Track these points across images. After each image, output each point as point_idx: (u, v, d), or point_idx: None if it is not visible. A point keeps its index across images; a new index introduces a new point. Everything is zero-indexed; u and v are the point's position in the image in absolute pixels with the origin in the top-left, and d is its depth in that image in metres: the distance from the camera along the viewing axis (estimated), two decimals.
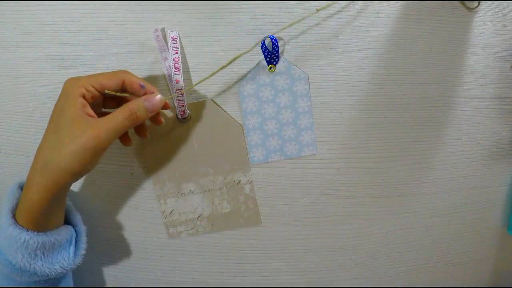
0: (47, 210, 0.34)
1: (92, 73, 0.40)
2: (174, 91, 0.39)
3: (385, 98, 0.43)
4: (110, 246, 0.46)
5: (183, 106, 0.41)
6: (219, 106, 0.42)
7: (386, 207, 0.46)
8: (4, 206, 0.35)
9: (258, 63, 0.41)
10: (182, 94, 0.39)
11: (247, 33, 0.40)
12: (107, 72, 0.36)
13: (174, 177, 0.43)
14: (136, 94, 0.36)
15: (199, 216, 0.44)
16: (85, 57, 0.41)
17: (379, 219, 0.46)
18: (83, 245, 0.40)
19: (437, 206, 0.47)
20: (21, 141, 0.43)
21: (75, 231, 0.40)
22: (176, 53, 0.38)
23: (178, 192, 0.44)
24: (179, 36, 0.39)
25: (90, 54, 0.40)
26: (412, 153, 0.45)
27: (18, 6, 0.40)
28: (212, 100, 0.42)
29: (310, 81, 0.42)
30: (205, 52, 0.41)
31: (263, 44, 0.40)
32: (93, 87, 0.34)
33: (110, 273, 0.47)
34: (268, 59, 0.41)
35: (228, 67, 0.41)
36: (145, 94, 0.36)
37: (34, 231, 0.34)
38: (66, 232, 0.38)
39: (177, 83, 0.39)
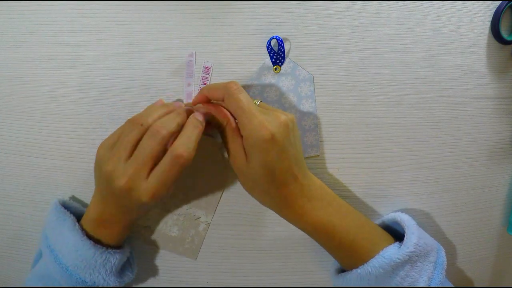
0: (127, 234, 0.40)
1: (90, 73, 0.41)
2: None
3: (385, 98, 0.43)
4: None
5: (189, 84, 0.41)
6: (221, 153, 0.43)
7: (386, 207, 0.46)
8: (67, 230, 0.37)
9: (264, 63, 0.41)
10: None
11: (249, 34, 0.40)
12: (176, 169, 0.34)
13: None
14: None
15: (146, 226, 0.45)
16: (85, 57, 0.41)
17: (378, 219, 0.46)
18: (135, 259, 0.43)
19: (437, 206, 0.47)
20: (21, 141, 0.43)
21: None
22: (205, 83, 0.40)
23: None
24: (212, 67, 0.40)
25: (90, 54, 0.40)
26: (412, 153, 0.45)
27: (18, 6, 0.40)
28: (218, 142, 0.42)
29: None
30: (205, 52, 0.41)
31: (269, 44, 0.40)
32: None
33: None
34: (273, 60, 0.41)
35: (233, 67, 0.41)
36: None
37: (113, 249, 0.38)
38: (128, 246, 0.41)
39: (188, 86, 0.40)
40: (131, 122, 0.36)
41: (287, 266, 0.47)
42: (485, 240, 0.49)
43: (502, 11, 0.41)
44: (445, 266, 0.38)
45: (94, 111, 0.41)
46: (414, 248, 0.36)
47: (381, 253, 0.36)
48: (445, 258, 0.38)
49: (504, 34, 0.43)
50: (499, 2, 0.42)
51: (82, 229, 0.37)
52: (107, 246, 0.37)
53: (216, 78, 0.41)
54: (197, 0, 0.39)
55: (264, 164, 0.34)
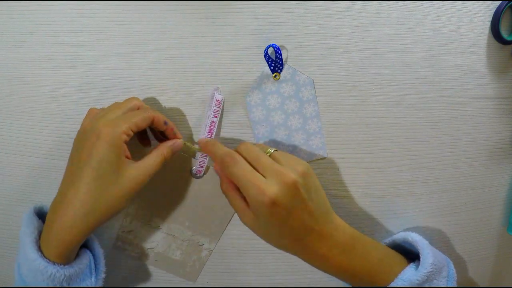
0: (77, 247, 0.36)
1: (90, 73, 0.41)
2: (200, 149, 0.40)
3: (385, 98, 0.43)
4: (109, 245, 0.46)
5: (202, 167, 0.42)
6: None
7: (386, 207, 0.46)
8: (25, 237, 0.35)
9: (263, 72, 0.41)
10: (205, 156, 0.42)
11: (249, 33, 0.40)
12: (138, 113, 0.36)
13: (152, 209, 0.44)
14: (159, 129, 0.38)
15: (150, 248, 0.46)
16: (85, 57, 0.41)
17: (379, 219, 0.46)
18: (102, 268, 0.40)
19: (437, 206, 0.47)
20: (21, 141, 0.43)
21: (93, 255, 0.40)
22: (216, 117, 0.40)
23: (147, 222, 0.45)
24: (223, 100, 0.41)
25: (90, 54, 0.40)
26: (412, 153, 0.45)
27: (18, 6, 0.40)
28: None
29: None
30: (205, 52, 0.41)
31: (266, 53, 0.40)
32: (132, 131, 0.35)
33: (110, 273, 0.47)
34: (272, 68, 0.41)
35: (234, 67, 0.41)
36: (166, 130, 0.38)
37: (60, 264, 0.35)
38: (85, 258, 0.38)
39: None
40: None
41: (287, 266, 0.47)
42: (485, 240, 0.49)
43: (502, 11, 0.41)
44: (456, 278, 0.39)
45: None
46: (431, 268, 0.37)
47: (399, 276, 0.37)
48: (454, 270, 0.39)
49: (504, 34, 0.43)
50: (499, 2, 0.42)
51: (38, 239, 0.36)
52: (52, 259, 0.34)
53: (217, 79, 0.41)
54: (197, 0, 0.39)
55: (272, 224, 0.35)
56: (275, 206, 0.34)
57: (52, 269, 0.34)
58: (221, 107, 0.40)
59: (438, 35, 0.42)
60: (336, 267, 0.37)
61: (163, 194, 0.44)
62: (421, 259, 0.38)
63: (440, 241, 0.48)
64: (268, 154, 0.37)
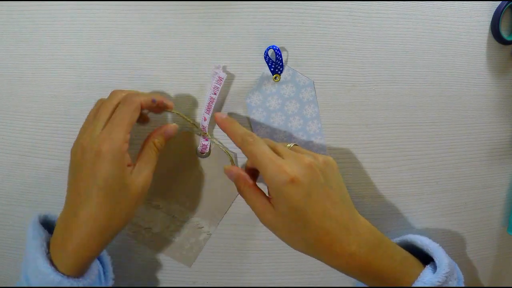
0: (93, 260, 0.36)
1: (90, 73, 0.41)
2: (201, 127, 0.41)
3: (385, 98, 0.43)
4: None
5: (206, 140, 0.42)
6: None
7: (386, 207, 0.46)
8: (35, 251, 0.35)
9: (263, 73, 0.41)
10: (205, 131, 0.41)
11: (249, 33, 0.40)
12: (125, 111, 0.35)
13: (154, 188, 0.43)
14: (149, 109, 0.38)
15: (147, 227, 0.45)
16: (85, 57, 0.41)
17: (379, 219, 0.46)
18: (110, 275, 0.40)
19: (437, 206, 0.47)
20: (21, 141, 0.43)
21: (101, 262, 0.40)
22: (215, 94, 0.40)
23: (147, 200, 0.44)
24: (227, 74, 0.40)
25: (90, 54, 0.40)
26: (412, 153, 0.45)
27: (18, 6, 0.40)
28: (234, 159, 0.43)
29: None
30: (205, 52, 0.41)
31: (266, 55, 0.40)
32: (129, 132, 0.34)
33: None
34: (272, 69, 0.41)
35: (234, 67, 0.41)
36: (157, 106, 0.38)
37: (74, 278, 0.34)
38: (95, 267, 0.38)
39: (204, 120, 0.40)
40: (100, 101, 0.37)
41: (287, 266, 0.47)
42: (485, 240, 0.49)
43: (502, 11, 0.41)
44: (463, 279, 0.39)
45: None
46: (448, 268, 0.36)
47: (419, 278, 0.36)
48: (460, 272, 0.40)
49: (504, 34, 0.43)
50: (499, 2, 0.42)
51: (48, 251, 0.35)
52: (67, 273, 0.34)
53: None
54: (197, 0, 0.39)
55: (291, 209, 0.33)
56: (295, 184, 0.33)
57: (66, 283, 0.33)
58: (221, 85, 0.39)
59: (438, 35, 0.42)
60: (362, 266, 0.35)
61: (166, 171, 0.43)
62: (436, 261, 0.37)
63: (440, 241, 0.48)
64: (289, 147, 0.38)
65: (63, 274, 0.34)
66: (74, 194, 0.34)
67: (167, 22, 0.40)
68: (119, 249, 0.46)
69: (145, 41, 0.40)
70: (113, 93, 0.37)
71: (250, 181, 0.37)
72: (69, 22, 0.40)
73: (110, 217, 0.34)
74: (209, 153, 0.43)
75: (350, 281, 0.48)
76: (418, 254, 0.40)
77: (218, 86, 0.39)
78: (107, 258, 0.41)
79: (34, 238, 0.35)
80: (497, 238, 0.50)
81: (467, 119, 0.45)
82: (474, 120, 0.45)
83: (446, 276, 0.36)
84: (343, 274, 0.36)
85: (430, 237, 0.43)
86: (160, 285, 0.47)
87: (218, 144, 0.42)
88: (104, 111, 0.35)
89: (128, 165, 0.34)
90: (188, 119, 0.41)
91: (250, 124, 0.42)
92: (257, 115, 0.42)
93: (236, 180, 0.38)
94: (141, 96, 0.36)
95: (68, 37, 0.40)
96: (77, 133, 0.36)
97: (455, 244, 0.49)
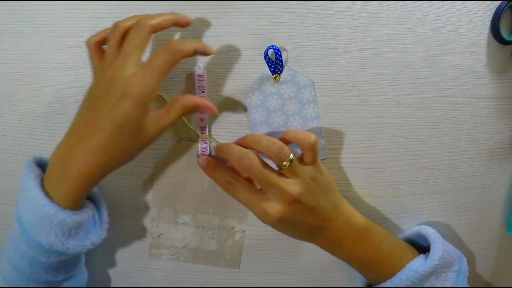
0: (88, 193, 0.35)
1: (90, 73, 0.40)
2: (198, 129, 0.41)
3: (385, 98, 0.43)
4: (109, 244, 0.46)
5: (205, 143, 0.42)
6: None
7: (386, 207, 0.46)
8: (30, 182, 0.33)
9: (263, 73, 0.41)
10: (205, 132, 0.41)
11: (249, 33, 0.40)
12: (165, 58, 0.33)
13: (174, 206, 0.44)
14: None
15: (184, 246, 0.45)
16: (85, 57, 0.41)
17: (379, 219, 0.46)
18: (105, 218, 0.39)
19: (437, 206, 0.47)
20: (21, 141, 0.43)
21: (95, 205, 0.39)
22: (203, 92, 0.40)
23: (173, 220, 0.45)
24: (206, 73, 0.40)
25: None
26: (412, 153, 0.45)
27: (18, 5, 0.40)
28: None
29: None
30: None
31: (266, 55, 0.40)
32: (161, 82, 0.33)
33: (109, 272, 0.47)
34: (272, 69, 0.41)
35: (234, 67, 0.41)
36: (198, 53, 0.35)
37: (71, 210, 0.33)
38: (90, 206, 0.37)
39: (201, 121, 0.41)
40: (113, 27, 0.35)
41: (287, 266, 0.47)
42: (485, 240, 0.49)
43: (502, 11, 0.41)
44: (467, 274, 0.40)
45: None
46: (439, 261, 0.38)
47: (407, 266, 0.38)
48: (466, 267, 0.40)
49: (504, 34, 0.43)
50: (499, 2, 0.42)
51: (43, 184, 0.34)
52: (63, 205, 0.33)
53: (218, 79, 0.41)
54: (197, 0, 0.39)
55: (285, 227, 0.38)
56: (282, 222, 0.37)
57: (62, 214, 0.32)
58: (205, 81, 0.40)
59: (438, 35, 0.42)
60: (347, 254, 0.40)
61: (178, 188, 0.44)
62: (430, 251, 0.39)
63: None
64: (286, 163, 0.36)
65: (59, 205, 0.33)
66: (84, 124, 0.34)
67: None
68: (151, 255, 0.46)
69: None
70: (141, 22, 0.34)
71: (250, 185, 0.39)
72: (69, 22, 0.40)
73: (117, 152, 0.33)
74: (210, 155, 0.43)
75: (350, 281, 0.48)
76: (426, 246, 0.41)
77: (202, 83, 0.40)
78: (102, 200, 0.40)
79: (29, 172, 0.34)
80: (497, 238, 0.50)
81: (467, 119, 0.45)
82: (474, 120, 0.45)
83: (434, 267, 0.37)
84: (343, 274, 0.37)
85: (453, 247, 0.43)
86: (160, 285, 0.47)
87: (217, 143, 0.42)
88: (133, 43, 0.33)
89: (150, 109, 0.34)
90: (188, 125, 0.41)
91: (250, 124, 0.42)
92: (257, 115, 0.42)
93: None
94: (185, 46, 0.34)
95: (68, 37, 0.40)
96: None
97: (455, 244, 0.48)
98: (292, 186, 0.36)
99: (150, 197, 0.44)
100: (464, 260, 0.41)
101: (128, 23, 0.35)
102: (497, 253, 0.50)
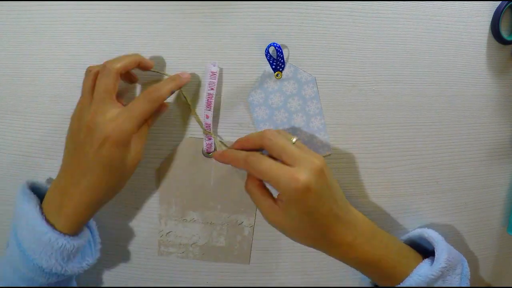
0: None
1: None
2: (204, 125, 0.41)
3: (384, 98, 0.43)
4: (110, 244, 0.46)
5: (210, 139, 0.42)
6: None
7: (386, 207, 0.46)
8: (30, 211, 0.36)
9: (264, 71, 0.41)
10: (210, 129, 0.41)
11: (249, 33, 0.40)
12: (141, 102, 0.36)
13: (182, 203, 0.44)
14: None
15: (193, 243, 0.45)
16: (85, 57, 0.41)
17: (379, 219, 0.46)
18: (98, 238, 0.42)
19: (437, 206, 0.47)
20: (21, 141, 0.43)
21: (88, 227, 0.41)
22: (212, 89, 0.40)
23: (181, 218, 0.45)
24: (220, 72, 0.40)
25: (90, 54, 0.40)
26: (412, 153, 0.45)
27: (18, 6, 0.40)
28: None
29: None
30: (205, 52, 0.41)
31: (267, 52, 0.40)
32: (140, 126, 0.36)
33: (109, 272, 0.47)
34: (274, 67, 0.41)
35: (234, 67, 0.41)
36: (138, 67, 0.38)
37: (70, 236, 0.36)
38: (86, 230, 0.39)
39: (207, 118, 0.40)
40: (85, 73, 0.38)
41: (287, 266, 0.47)
42: (485, 240, 0.49)
43: (502, 11, 0.41)
44: (469, 276, 0.39)
45: None
46: (445, 263, 0.37)
47: (415, 271, 0.38)
48: (468, 269, 0.40)
49: (504, 34, 0.43)
50: (499, 2, 0.42)
51: (42, 212, 0.36)
52: (63, 232, 0.36)
53: (218, 79, 0.41)
54: (197, 0, 0.39)
55: (303, 213, 0.35)
56: (309, 192, 0.34)
57: (63, 240, 0.35)
58: (216, 79, 0.40)
59: (438, 35, 0.42)
60: (360, 256, 0.37)
61: (184, 185, 0.44)
62: (435, 254, 0.39)
63: None
64: (293, 142, 0.37)
65: (60, 232, 0.35)
66: (75, 164, 0.36)
67: (167, 22, 0.40)
68: (160, 254, 0.46)
69: (145, 41, 0.40)
70: (108, 66, 0.36)
71: (257, 181, 0.38)
72: (69, 22, 0.40)
73: (108, 189, 0.36)
74: (215, 151, 0.43)
75: (350, 281, 0.48)
76: (426, 249, 0.41)
77: (214, 81, 0.39)
78: (93, 223, 0.42)
79: (27, 202, 0.37)
80: (497, 238, 0.50)
81: (467, 119, 0.45)
82: (474, 120, 0.45)
83: (442, 271, 0.37)
84: (343, 274, 0.37)
85: (455, 250, 0.43)
86: (160, 285, 0.47)
87: (221, 141, 0.42)
88: (103, 88, 0.36)
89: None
90: (191, 108, 0.41)
91: (254, 122, 0.42)
92: (260, 113, 0.42)
93: (247, 179, 0.39)
94: (163, 90, 0.37)
95: (68, 37, 0.40)
96: None
97: (455, 244, 0.48)
98: (315, 158, 0.35)
99: (157, 195, 0.44)
100: (466, 263, 0.40)
101: (97, 68, 0.37)
102: (497, 253, 0.50)
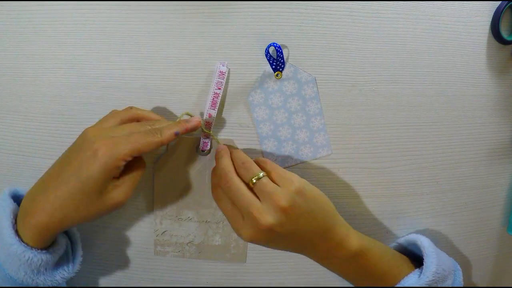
0: (54, 236, 0.36)
1: (90, 73, 0.41)
2: (204, 123, 0.41)
3: (384, 98, 0.43)
4: (110, 244, 0.46)
5: (207, 137, 0.42)
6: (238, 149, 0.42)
7: (386, 207, 0.46)
8: (2, 221, 0.35)
9: (264, 71, 0.41)
10: (210, 128, 0.41)
11: (249, 33, 0.40)
12: (144, 137, 0.34)
13: (177, 202, 0.44)
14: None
15: (189, 242, 0.45)
16: (85, 57, 0.41)
17: (378, 219, 0.46)
18: (79, 252, 0.40)
19: (437, 206, 0.47)
20: (21, 141, 0.43)
21: (69, 239, 0.40)
22: (219, 88, 0.40)
23: (176, 217, 0.45)
24: (228, 72, 0.40)
25: (90, 54, 0.40)
26: (412, 153, 0.45)
27: (18, 6, 0.40)
28: (233, 142, 0.43)
29: None
30: (205, 52, 0.41)
31: (267, 52, 0.40)
32: (131, 156, 0.34)
33: (109, 272, 0.47)
34: (274, 67, 0.41)
35: (234, 67, 0.41)
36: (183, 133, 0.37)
37: (38, 249, 0.34)
38: (63, 242, 0.38)
39: (209, 117, 0.40)
40: (129, 108, 0.38)
41: (287, 266, 0.47)
42: (485, 240, 0.49)
43: (502, 11, 0.41)
44: (462, 284, 0.40)
45: (94, 111, 0.41)
46: (433, 276, 0.37)
47: (402, 282, 0.38)
48: (461, 279, 0.40)
49: (504, 34, 0.43)
50: (499, 2, 0.42)
51: (15, 223, 0.35)
52: (30, 244, 0.34)
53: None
54: (197, 0, 0.39)
55: (272, 241, 0.37)
56: (271, 232, 0.35)
57: (29, 253, 0.34)
58: (224, 79, 0.40)
59: (438, 35, 0.42)
60: (337, 271, 0.40)
61: (179, 183, 0.44)
62: (424, 266, 0.39)
63: (440, 241, 0.48)
64: (255, 180, 0.36)
65: (27, 244, 0.34)
66: (53, 174, 0.35)
67: (168, 22, 0.40)
68: (157, 253, 0.46)
69: (145, 41, 0.40)
70: (149, 113, 0.38)
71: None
72: (69, 22, 0.40)
73: (75, 210, 0.34)
74: (209, 150, 0.43)
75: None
76: (420, 254, 0.41)
77: (221, 80, 0.39)
78: (76, 235, 0.41)
79: (2, 210, 0.35)
80: (497, 238, 0.50)
81: (467, 119, 0.45)
82: (474, 120, 0.45)
83: (429, 284, 0.37)
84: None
85: (430, 237, 0.43)
86: (161, 285, 0.47)
87: (217, 139, 0.42)
88: (130, 118, 0.37)
89: (114, 177, 0.35)
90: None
91: (253, 122, 0.42)
92: (260, 113, 0.42)
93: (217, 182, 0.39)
94: (167, 134, 0.35)
95: (68, 37, 0.40)
96: (77, 133, 0.36)
97: (455, 244, 0.49)
98: (263, 214, 0.34)
99: (151, 194, 0.44)
100: (459, 272, 0.40)
101: (170, 132, 0.36)
102: (497, 253, 0.50)
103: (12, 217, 0.35)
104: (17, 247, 0.33)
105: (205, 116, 0.41)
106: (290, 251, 0.39)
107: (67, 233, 0.40)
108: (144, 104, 0.41)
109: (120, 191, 0.35)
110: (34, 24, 0.40)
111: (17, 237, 0.34)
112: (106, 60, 0.41)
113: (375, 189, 0.45)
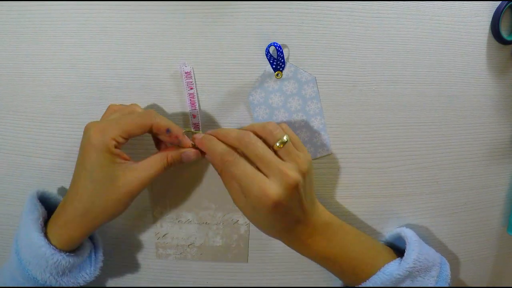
0: (80, 240, 0.37)
1: (90, 73, 0.41)
2: (192, 125, 0.41)
3: (385, 98, 0.43)
4: (111, 244, 0.46)
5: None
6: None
7: (386, 207, 0.46)
8: (31, 223, 0.36)
9: (265, 71, 0.41)
10: (198, 128, 0.41)
11: (249, 33, 0.40)
12: (132, 118, 0.35)
13: (176, 205, 0.44)
14: (160, 137, 0.37)
15: (190, 244, 0.45)
16: (85, 57, 0.41)
17: (379, 219, 0.46)
18: (100, 257, 0.41)
19: (437, 206, 0.47)
20: (21, 141, 0.43)
21: (93, 243, 0.41)
22: (191, 88, 0.40)
23: (176, 219, 0.45)
24: (193, 70, 0.40)
25: (90, 54, 0.40)
26: (412, 153, 0.45)
27: (18, 6, 0.40)
28: None
29: None
30: (205, 52, 0.41)
31: (267, 52, 0.40)
32: (122, 137, 0.34)
33: (109, 272, 0.47)
34: (274, 66, 0.41)
35: (234, 67, 0.41)
36: (170, 137, 0.36)
37: (66, 253, 0.36)
38: (87, 246, 0.39)
39: (194, 117, 0.41)
40: (132, 105, 0.39)
41: (287, 266, 0.47)
42: (485, 240, 0.49)
43: (502, 11, 0.41)
44: (449, 280, 0.39)
45: (94, 111, 0.41)
46: (413, 263, 0.37)
47: (382, 269, 0.37)
48: (449, 272, 0.39)
49: (504, 34, 0.43)
50: (499, 2, 0.42)
51: (44, 225, 0.36)
52: (59, 247, 0.36)
53: (218, 79, 0.41)
54: (197, 0, 0.39)
55: (268, 219, 0.35)
56: (276, 207, 0.34)
57: (58, 256, 0.35)
58: (193, 78, 0.40)
59: (438, 35, 0.42)
60: (317, 253, 0.38)
61: (178, 186, 0.44)
62: (405, 253, 0.39)
63: (439, 241, 0.48)
64: (279, 144, 0.35)
65: (55, 247, 0.35)
66: (74, 173, 0.36)
67: (168, 22, 0.40)
68: (159, 256, 0.46)
69: (145, 41, 0.40)
70: (130, 105, 0.39)
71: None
72: (69, 22, 0.40)
73: (92, 203, 0.34)
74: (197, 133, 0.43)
75: None
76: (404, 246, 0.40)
77: (190, 80, 0.40)
78: (98, 240, 0.42)
79: (30, 212, 0.36)
80: (497, 238, 0.50)
81: (467, 119, 0.45)
82: (474, 120, 0.45)
83: (409, 270, 0.37)
84: None
85: (430, 237, 0.43)
86: (161, 285, 0.47)
87: (194, 131, 0.42)
88: (111, 108, 0.38)
89: (124, 158, 0.35)
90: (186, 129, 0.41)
91: (254, 122, 0.42)
92: (260, 113, 0.42)
93: (216, 165, 0.37)
94: (158, 117, 0.35)
95: (68, 37, 0.40)
96: (77, 133, 0.37)
97: (455, 244, 0.49)
98: (292, 171, 0.34)
99: (150, 196, 0.44)
100: (446, 266, 0.40)
101: (162, 122, 0.36)
102: (497, 253, 0.50)
103: (41, 219, 0.36)
104: (46, 249, 0.34)
105: (190, 118, 0.41)
106: (287, 226, 0.37)
107: (90, 238, 0.41)
108: (144, 104, 0.41)
109: (134, 175, 0.35)
110: (35, 24, 0.40)
111: (46, 240, 0.35)
112: (106, 60, 0.41)
113: (375, 189, 0.45)
